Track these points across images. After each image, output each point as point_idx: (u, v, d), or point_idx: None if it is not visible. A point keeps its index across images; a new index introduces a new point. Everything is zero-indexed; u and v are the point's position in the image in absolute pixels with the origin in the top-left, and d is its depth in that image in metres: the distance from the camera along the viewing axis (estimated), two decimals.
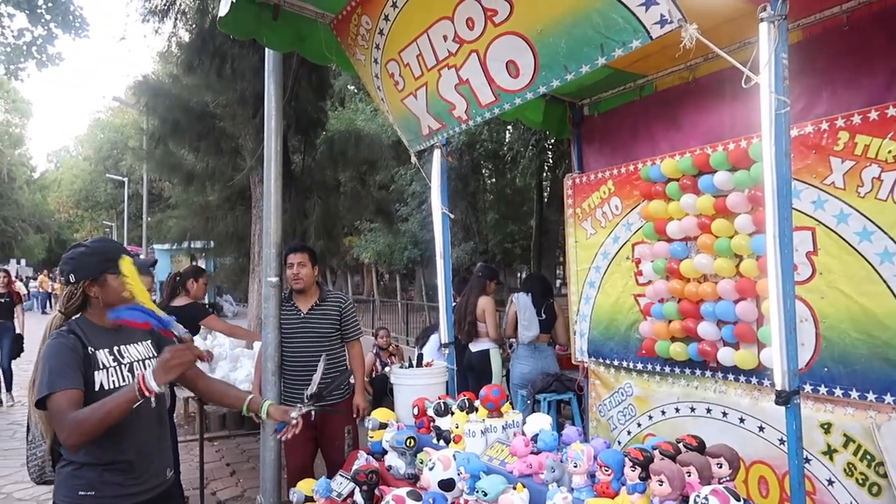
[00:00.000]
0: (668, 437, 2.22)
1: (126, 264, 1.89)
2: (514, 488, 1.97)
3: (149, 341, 2.08)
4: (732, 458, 1.92)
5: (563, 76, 2.23)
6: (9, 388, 7.68)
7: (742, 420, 2.84)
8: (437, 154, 3.40)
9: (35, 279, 27.03)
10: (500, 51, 2.40)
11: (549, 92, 2.54)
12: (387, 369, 6.00)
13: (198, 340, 5.02)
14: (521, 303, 4.78)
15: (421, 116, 3.04)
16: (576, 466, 1.97)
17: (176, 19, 8.09)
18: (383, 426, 2.71)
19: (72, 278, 1.91)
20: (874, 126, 2.32)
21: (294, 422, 2.12)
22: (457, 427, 2.45)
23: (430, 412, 2.72)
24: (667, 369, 3.18)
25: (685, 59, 3.11)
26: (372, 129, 11.88)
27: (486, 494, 1.95)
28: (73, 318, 1.94)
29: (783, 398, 1.76)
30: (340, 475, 2.57)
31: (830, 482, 2.48)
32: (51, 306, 24.18)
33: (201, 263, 9.95)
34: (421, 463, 2.33)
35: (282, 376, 3.36)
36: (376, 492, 2.31)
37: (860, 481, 2.39)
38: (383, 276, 25.80)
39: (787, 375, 1.77)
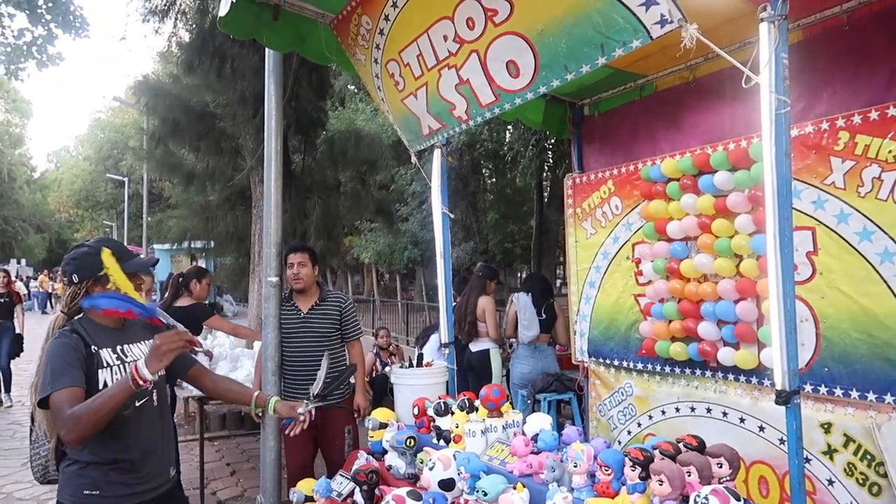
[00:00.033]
0: (668, 436, 2.23)
1: (106, 255, 1.87)
2: (515, 488, 1.98)
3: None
4: (732, 458, 1.92)
5: (564, 76, 2.23)
6: (7, 390, 7.66)
7: (742, 420, 2.84)
8: (437, 154, 3.40)
9: (35, 279, 27.03)
10: (501, 51, 2.40)
11: (549, 92, 2.54)
12: (387, 369, 6.01)
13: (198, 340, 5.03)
14: (522, 303, 4.78)
15: (421, 116, 3.04)
16: (576, 466, 1.97)
17: (176, 19, 8.09)
18: (383, 426, 2.71)
19: (75, 278, 1.92)
20: (874, 126, 2.32)
21: (301, 417, 2.14)
22: (457, 427, 2.45)
23: (431, 412, 2.73)
24: (667, 369, 3.18)
25: (685, 59, 3.11)
26: (372, 129, 11.88)
27: (486, 494, 1.95)
28: (76, 318, 1.95)
29: (783, 398, 1.76)
30: (340, 475, 2.58)
31: (831, 482, 2.48)
32: (51, 306, 24.17)
33: (201, 263, 9.95)
34: (421, 463, 2.33)
35: (282, 376, 3.35)
36: (376, 492, 2.31)
37: (860, 481, 2.39)
38: (383, 276, 25.80)
39: (788, 375, 1.77)
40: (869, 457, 2.37)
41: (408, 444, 2.46)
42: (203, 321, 4.40)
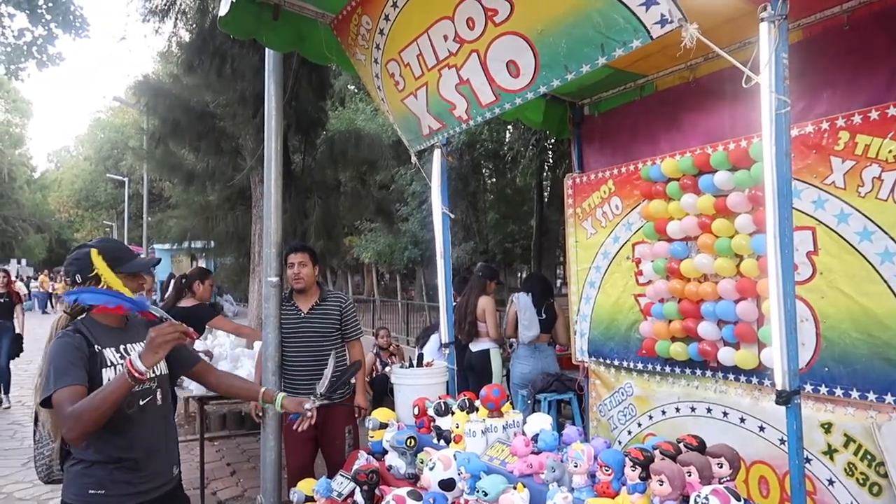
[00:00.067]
0: (668, 436, 2.22)
1: (94, 255, 1.90)
2: (515, 488, 1.97)
3: None
4: (733, 458, 1.92)
5: (564, 76, 2.23)
6: (6, 391, 7.63)
7: (742, 420, 2.84)
8: (437, 154, 3.40)
9: (36, 279, 27.04)
10: (501, 51, 2.40)
11: (549, 92, 2.54)
12: (387, 369, 6.01)
13: (199, 340, 5.03)
14: (522, 303, 4.78)
15: (421, 116, 3.04)
16: (576, 466, 1.97)
17: (176, 19, 8.09)
18: (384, 426, 2.71)
19: (78, 279, 1.93)
20: (875, 126, 2.32)
21: (309, 413, 2.15)
22: (457, 427, 2.45)
23: (431, 412, 2.72)
24: (667, 369, 3.18)
25: (685, 59, 3.11)
26: (372, 129, 11.89)
27: (486, 494, 1.95)
28: (79, 318, 1.96)
29: (784, 398, 1.76)
30: (341, 475, 2.58)
31: (831, 482, 2.48)
32: (51, 306, 24.16)
33: (202, 263, 9.96)
34: (421, 463, 2.33)
35: (282, 376, 3.36)
36: (377, 492, 2.31)
37: (861, 481, 2.39)
38: (383, 275, 25.81)
39: (788, 375, 1.76)
40: (869, 457, 2.37)
41: (408, 444, 2.46)
42: (207, 321, 4.43)
